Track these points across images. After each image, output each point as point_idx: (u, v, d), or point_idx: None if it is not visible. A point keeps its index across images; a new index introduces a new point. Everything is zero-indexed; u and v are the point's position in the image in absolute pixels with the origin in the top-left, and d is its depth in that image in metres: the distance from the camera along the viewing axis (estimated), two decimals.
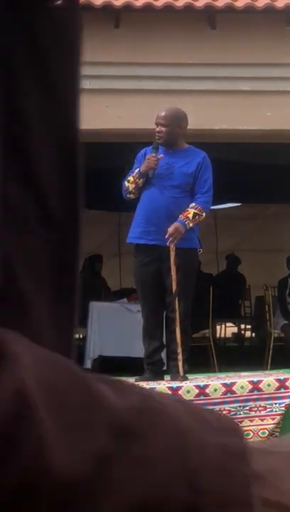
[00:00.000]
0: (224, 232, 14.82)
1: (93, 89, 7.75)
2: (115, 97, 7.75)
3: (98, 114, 7.74)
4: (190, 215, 5.79)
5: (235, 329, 13.65)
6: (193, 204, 5.84)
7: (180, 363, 5.78)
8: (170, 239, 5.71)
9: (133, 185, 5.86)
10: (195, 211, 5.81)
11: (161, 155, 5.85)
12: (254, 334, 12.82)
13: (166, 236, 5.71)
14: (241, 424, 5.32)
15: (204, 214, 5.89)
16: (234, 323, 13.21)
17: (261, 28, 7.75)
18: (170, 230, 5.72)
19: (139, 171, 5.83)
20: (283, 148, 8.63)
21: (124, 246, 14.43)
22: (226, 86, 7.83)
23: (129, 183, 5.87)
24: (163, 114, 5.95)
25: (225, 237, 14.69)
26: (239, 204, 15.41)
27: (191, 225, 5.79)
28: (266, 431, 5.39)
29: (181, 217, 5.77)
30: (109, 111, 7.75)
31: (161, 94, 7.64)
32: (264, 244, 14.89)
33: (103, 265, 12.36)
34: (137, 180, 5.84)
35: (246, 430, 5.38)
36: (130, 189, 5.87)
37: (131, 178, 5.86)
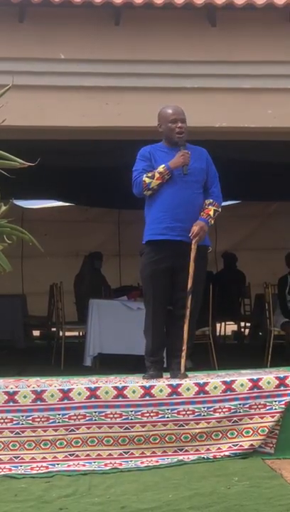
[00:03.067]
0: (224, 232, 14.81)
1: (93, 86, 7.74)
2: (115, 95, 7.73)
3: (98, 111, 7.73)
4: (211, 213, 5.92)
5: (235, 327, 13.65)
6: (211, 200, 5.95)
7: (183, 360, 5.78)
8: (197, 238, 5.78)
9: (159, 182, 5.87)
10: (215, 208, 5.97)
11: (189, 151, 5.91)
12: (253, 332, 12.82)
13: (191, 235, 5.77)
14: (240, 422, 5.34)
15: (220, 209, 6.04)
16: (234, 321, 13.21)
17: (261, 25, 7.73)
18: (196, 229, 5.79)
19: (169, 167, 5.83)
20: (285, 146, 8.62)
21: (124, 245, 14.45)
22: (226, 83, 7.82)
23: (153, 179, 5.86)
24: (179, 110, 6.04)
25: (225, 237, 14.69)
26: (239, 202, 15.40)
27: (212, 222, 5.95)
28: (266, 429, 5.39)
29: (203, 215, 5.88)
30: (108, 108, 7.74)
31: (161, 91, 7.63)
32: (264, 242, 14.89)
33: (103, 264, 12.35)
34: (166, 176, 5.86)
35: (245, 428, 5.39)
36: (152, 185, 5.87)
37: (156, 174, 5.85)
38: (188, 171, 5.85)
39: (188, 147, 6.00)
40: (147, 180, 5.88)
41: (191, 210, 5.83)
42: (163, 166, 5.85)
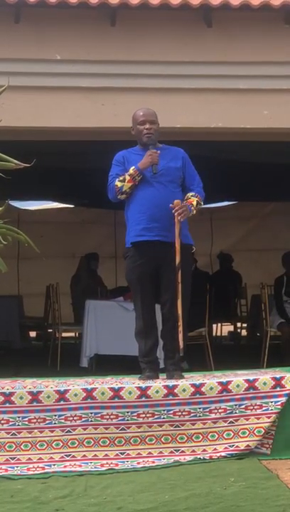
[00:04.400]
0: (220, 233, 14.84)
1: (89, 87, 7.74)
2: (111, 95, 7.73)
3: (94, 112, 7.73)
4: (194, 203, 5.92)
5: (231, 327, 13.66)
6: (193, 193, 5.96)
7: (180, 336, 5.76)
8: (181, 214, 5.74)
9: (130, 184, 5.87)
10: (197, 199, 5.95)
11: (159, 151, 5.89)
12: (250, 333, 12.83)
13: (173, 211, 5.74)
14: (237, 423, 5.34)
15: (202, 203, 6.01)
16: (230, 322, 13.22)
17: (257, 25, 7.74)
18: (177, 206, 5.74)
19: (138, 167, 5.84)
20: (280, 147, 8.63)
21: (120, 247, 14.45)
22: (222, 84, 7.82)
23: (124, 182, 5.87)
24: (148, 112, 6.05)
25: (221, 238, 14.71)
26: (235, 202, 15.41)
27: (194, 212, 5.90)
28: (262, 429, 5.39)
29: (186, 203, 5.84)
30: (104, 109, 7.74)
31: (157, 92, 7.63)
32: (261, 243, 14.90)
33: (99, 265, 12.35)
34: (136, 177, 5.85)
35: (242, 429, 5.39)
36: (124, 189, 5.88)
37: (127, 177, 5.86)
38: (162, 171, 5.84)
39: (163, 147, 6.02)
40: (119, 184, 5.89)
41: (167, 209, 5.80)
42: (133, 167, 5.86)
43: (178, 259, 5.77)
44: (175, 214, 5.75)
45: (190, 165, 6.05)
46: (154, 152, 5.87)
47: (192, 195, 5.93)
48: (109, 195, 5.99)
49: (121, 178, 5.88)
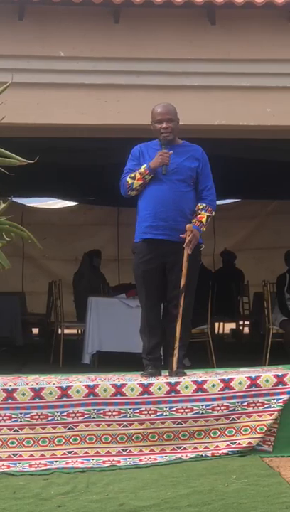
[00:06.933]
0: (222, 231, 14.83)
1: (92, 84, 7.75)
2: (114, 92, 7.74)
3: (97, 109, 7.73)
4: (204, 220, 5.87)
5: (233, 325, 13.66)
6: (204, 205, 5.88)
7: (174, 358, 5.79)
8: (190, 246, 5.75)
9: (140, 182, 5.84)
10: (207, 214, 5.90)
11: (171, 151, 5.85)
12: (252, 330, 12.83)
13: (184, 245, 5.74)
14: (239, 420, 5.34)
15: (214, 213, 5.97)
16: (232, 320, 13.22)
17: (261, 23, 7.74)
18: (189, 237, 5.75)
19: (149, 167, 5.81)
20: (283, 145, 8.63)
21: (122, 249, 14.45)
22: (226, 81, 7.83)
23: (135, 179, 5.85)
24: (166, 109, 5.95)
25: (224, 237, 14.70)
26: (237, 201, 15.40)
27: (204, 229, 5.89)
28: (264, 427, 5.40)
29: (196, 222, 5.82)
30: (108, 106, 7.74)
31: (161, 89, 7.64)
32: (263, 241, 14.90)
33: (102, 267, 12.35)
34: (146, 176, 5.83)
35: (244, 426, 5.39)
36: (134, 186, 5.86)
37: (137, 175, 5.84)
38: (175, 169, 5.81)
39: (183, 145, 5.98)
40: (130, 181, 5.87)
41: (174, 208, 5.78)
42: (144, 166, 5.83)
43: (183, 283, 5.79)
44: (185, 247, 5.76)
45: (207, 167, 5.95)
46: (165, 153, 5.82)
47: (202, 209, 5.87)
48: (121, 190, 5.96)
49: (132, 175, 5.85)
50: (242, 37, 7.75)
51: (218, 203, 15.01)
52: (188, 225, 5.78)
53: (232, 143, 8.74)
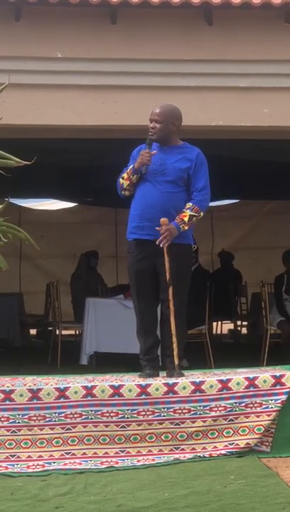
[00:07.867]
0: (220, 231, 14.83)
1: (89, 85, 7.75)
2: (111, 93, 7.74)
3: (94, 110, 7.74)
4: (186, 218, 5.77)
5: (231, 325, 13.66)
6: (190, 204, 5.82)
7: (175, 353, 5.77)
8: (163, 241, 5.70)
9: (128, 182, 5.87)
10: (192, 213, 5.79)
11: (155, 151, 5.85)
12: (250, 331, 12.84)
13: (158, 240, 5.71)
14: (237, 421, 5.34)
15: (201, 213, 5.86)
16: (230, 320, 13.22)
17: (258, 24, 7.74)
18: (162, 230, 5.70)
19: (133, 167, 5.84)
20: (280, 145, 8.63)
21: (121, 246, 14.45)
22: (223, 82, 7.83)
23: (124, 179, 5.89)
24: (157, 110, 5.94)
25: (221, 237, 14.70)
26: (235, 201, 15.40)
27: (186, 228, 5.78)
28: (262, 427, 5.39)
29: (177, 219, 5.75)
30: (105, 107, 7.74)
31: (158, 90, 7.64)
32: (261, 242, 14.90)
33: (100, 266, 12.35)
34: (131, 176, 5.84)
35: (242, 427, 5.39)
36: (124, 186, 5.89)
37: (125, 175, 5.88)
38: (163, 170, 5.78)
39: (182, 146, 5.97)
40: (121, 181, 5.90)
41: (159, 209, 5.74)
42: (131, 166, 5.85)
43: (168, 276, 5.75)
44: (157, 242, 5.71)
45: (202, 168, 5.88)
46: (147, 153, 5.82)
47: (188, 208, 5.78)
48: (117, 191, 6.00)
49: (124, 175, 5.89)
50: (239, 37, 7.76)
51: (216, 203, 15.01)
52: (162, 219, 5.70)
53: (229, 143, 8.74)
